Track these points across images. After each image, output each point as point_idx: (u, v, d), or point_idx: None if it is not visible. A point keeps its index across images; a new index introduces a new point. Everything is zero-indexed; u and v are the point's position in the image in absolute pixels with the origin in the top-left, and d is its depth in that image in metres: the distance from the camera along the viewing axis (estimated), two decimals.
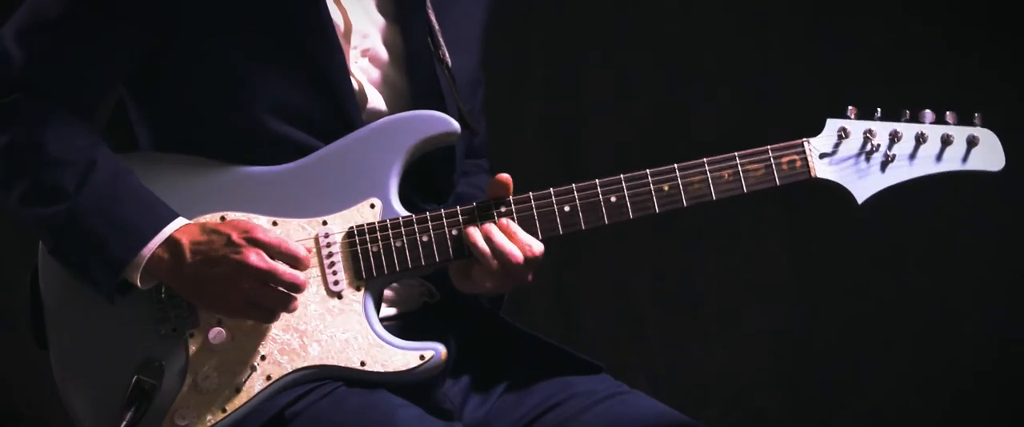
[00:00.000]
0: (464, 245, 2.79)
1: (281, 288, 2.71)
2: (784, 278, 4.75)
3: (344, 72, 2.81)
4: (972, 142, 2.85)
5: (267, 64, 2.77)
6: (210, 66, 2.76)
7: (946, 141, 2.84)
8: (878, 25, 4.65)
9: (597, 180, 2.81)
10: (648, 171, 2.81)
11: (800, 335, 4.76)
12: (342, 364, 2.76)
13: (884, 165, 2.84)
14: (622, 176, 2.81)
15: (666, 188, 2.81)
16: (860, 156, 2.85)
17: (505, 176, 2.80)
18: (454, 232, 2.80)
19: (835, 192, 2.84)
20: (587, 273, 4.77)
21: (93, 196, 2.71)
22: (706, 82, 4.71)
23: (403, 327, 2.86)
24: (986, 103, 2.93)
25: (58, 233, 2.72)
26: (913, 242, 4.68)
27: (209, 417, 2.74)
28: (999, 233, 4.64)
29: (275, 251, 2.71)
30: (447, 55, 2.88)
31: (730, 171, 2.82)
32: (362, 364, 2.76)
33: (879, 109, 2.85)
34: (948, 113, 2.85)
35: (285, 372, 2.75)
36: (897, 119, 2.85)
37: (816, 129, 2.85)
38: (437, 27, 2.88)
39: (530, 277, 2.81)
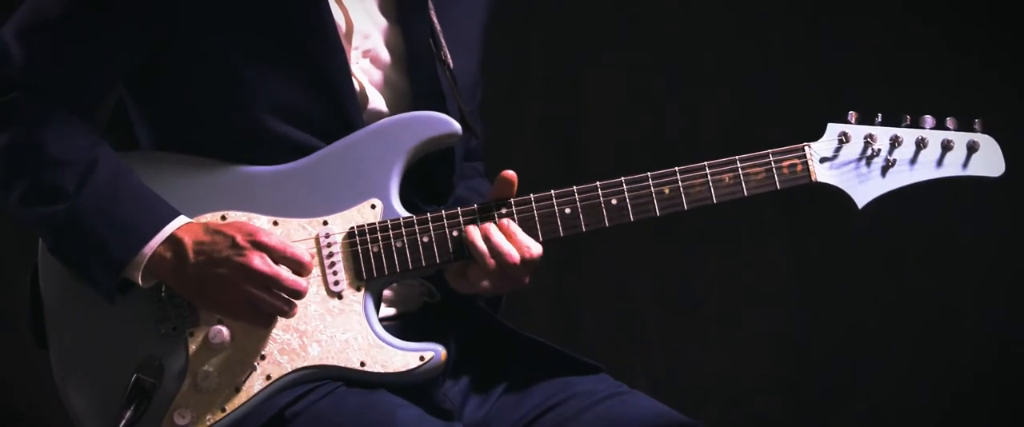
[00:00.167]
0: (463, 245, 2.79)
1: (283, 293, 2.71)
2: (784, 281, 4.75)
3: (345, 73, 2.80)
4: (972, 148, 2.85)
5: (268, 64, 2.76)
6: (210, 66, 2.76)
7: (946, 147, 2.85)
8: (878, 25, 4.64)
9: (598, 182, 2.81)
10: (649, 174, 2.81)
11: (800, 338, 4.76)
12: (342, 364, 2.76)
13: (885, 170, 2.85)
14: (623, 179, 2.81)
15: (667, 191, 2.81)
16: (861, 161, 2.85)
17: (510, 173, 2.80)
18: (455, 233, 2.79)
19: (836, 196, 2.84)
20: (587, 276, 4.77)
21: (93, 196, 2.70)
22: (706, 82, 4.71)
23: (403, 327, 2.86)
24: (986, 103, 2.93)
25: (58, 233, 2.71)
26: (913, 243, 4.67)
27: (209, 416, 2.74)
28: (999, 233, 4.63)
29: (279, 255, 2.71)
30: (449, 56, 2.87)
31: (731, 174, 2.82)
32: (362, 364, 2.76)
33: (880, 114, 2.85)
34: (948, 119, 2.86)
35: (285, 372, 2.75)
36: (898, 124, 2.85)
37: (816, 129, 2.85)
38: (438, 28, 2.88)
39: (527, 280, 2.81)
